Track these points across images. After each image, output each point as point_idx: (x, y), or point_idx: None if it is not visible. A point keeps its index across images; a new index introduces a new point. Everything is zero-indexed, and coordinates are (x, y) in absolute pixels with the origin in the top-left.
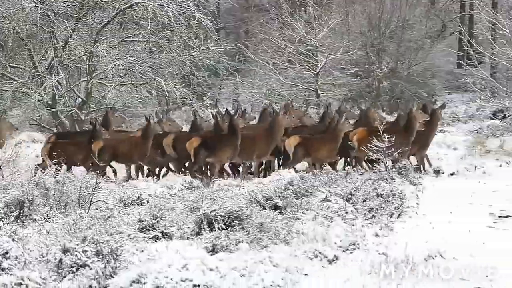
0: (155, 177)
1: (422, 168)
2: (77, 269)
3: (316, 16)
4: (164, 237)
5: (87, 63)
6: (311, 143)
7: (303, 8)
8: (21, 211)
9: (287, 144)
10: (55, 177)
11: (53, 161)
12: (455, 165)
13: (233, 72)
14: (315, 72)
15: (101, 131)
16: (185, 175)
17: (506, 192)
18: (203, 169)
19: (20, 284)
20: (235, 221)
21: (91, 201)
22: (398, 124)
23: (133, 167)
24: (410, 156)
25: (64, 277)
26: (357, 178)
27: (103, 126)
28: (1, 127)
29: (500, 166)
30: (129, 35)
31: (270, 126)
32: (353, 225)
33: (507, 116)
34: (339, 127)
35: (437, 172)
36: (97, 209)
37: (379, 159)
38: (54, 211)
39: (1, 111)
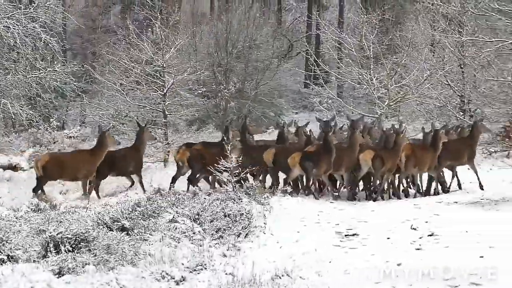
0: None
1: (477, 176)
2: None
3: (163, 37)
4: (10, 260)
5: None
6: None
7: (150, 29)
8: None
9: (362, 159)
10: None
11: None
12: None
13: (80, 93)
14: (163, 93)
15: (231, 140)
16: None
17: (352, 211)
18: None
19: None
20: (81, 243)
21: None
22: (426, 142)
23: None
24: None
25: None
26: (205, 198)
27: (241, 134)
28: (145, 136)
29: None
30: None
31: (350, 143)
32: (200, 246)
33: None
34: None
35: (284, 191)
36: None
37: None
38: None
39: (145, 121)
